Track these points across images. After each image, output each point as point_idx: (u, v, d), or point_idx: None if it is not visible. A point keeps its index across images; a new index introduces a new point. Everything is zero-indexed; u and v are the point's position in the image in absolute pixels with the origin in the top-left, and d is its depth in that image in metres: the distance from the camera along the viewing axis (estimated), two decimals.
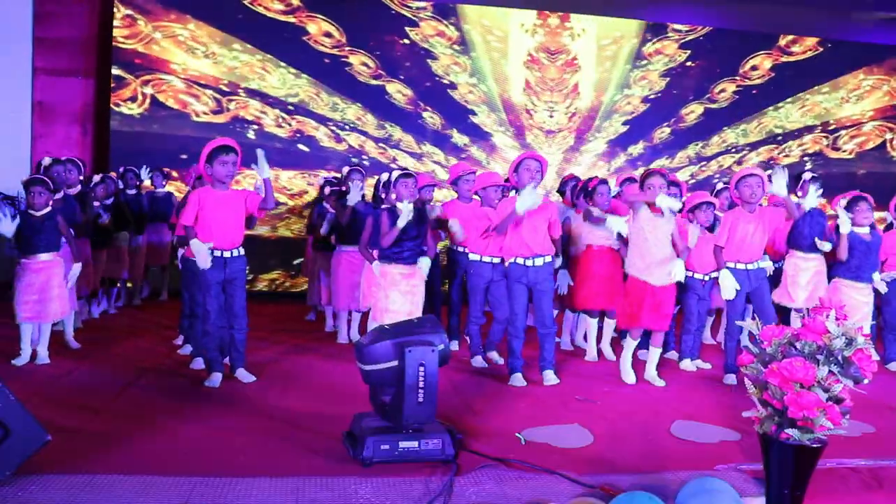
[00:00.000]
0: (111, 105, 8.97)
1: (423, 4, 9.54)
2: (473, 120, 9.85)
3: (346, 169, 6.55)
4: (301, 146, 9.44)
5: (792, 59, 10.53)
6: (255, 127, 9.27)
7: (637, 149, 10.31)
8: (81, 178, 6.40)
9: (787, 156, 10.68)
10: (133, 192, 7.73)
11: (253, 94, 9.27)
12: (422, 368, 3.42)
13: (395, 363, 3.46)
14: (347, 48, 9.42)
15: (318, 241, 7.02)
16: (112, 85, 8.95)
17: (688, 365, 5.82)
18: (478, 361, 5.74)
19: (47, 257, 5.26)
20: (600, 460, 3.62)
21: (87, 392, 4.56)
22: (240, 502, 2.91)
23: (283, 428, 3.95)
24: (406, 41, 9.57)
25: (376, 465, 3.36)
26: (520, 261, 5.12)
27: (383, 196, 5.83)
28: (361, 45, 9.46)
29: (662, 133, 10.33)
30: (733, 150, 10.55)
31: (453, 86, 9.76)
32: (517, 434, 3.93)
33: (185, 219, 4.78)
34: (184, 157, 8.84)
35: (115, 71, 8.95)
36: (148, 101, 9.04)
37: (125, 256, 7.46)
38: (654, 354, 5.36)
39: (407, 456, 3.41)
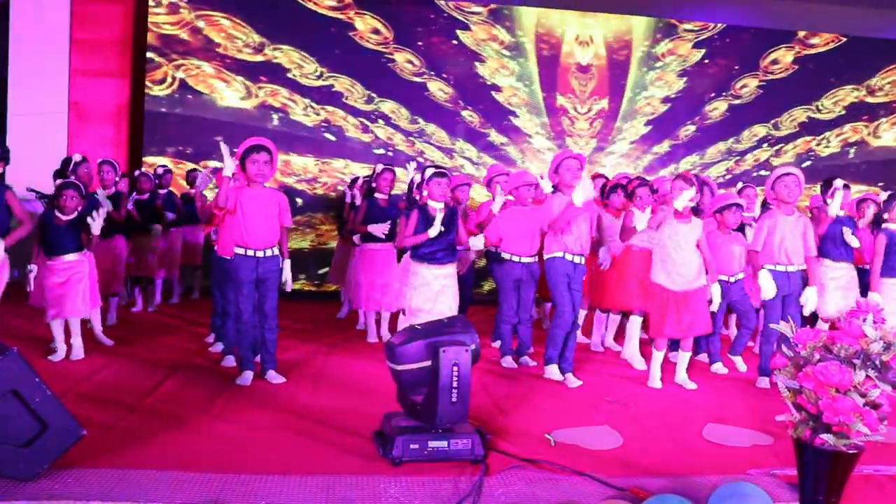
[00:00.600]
0: (144, 89, 9.17)
1: (478, 9, 9.70)
2: (514, 121, 9.93)
3: (379, 166, 6.52)
4: (327, 135, 9.56)
5: (813, 51, 10.46)
6: (281, 115, 9.41)
7: (663, 147, 10.28)
8: (117, 178, 6.49)
9: (826, 146, 10.59)
10: (165, 191, 7.82)
11: (286, 82, 9.40)
12: (456, 368, 3.42)
13: (427, 363, 3.46)
14: (393, 45, 9.57)
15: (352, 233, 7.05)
16: (146, 66, 9.16)
17: (719, 368, 5.76)
18: (507, 362, 5.74)
19: (72, 257, 5.32)
20: (630, 462, 3.60)
21: (121, 388, 4.62)
22: (270, 499, 2.93)
23: (313, 426, 3.97)
24: (455, 42, 9.71)
25: (405, 465, 3.37)
26: (568, 257, 5.14)
27: (417, 197, 5.84)
28: (409, 43, 9.61)
29: (687, 131, 10.30)
30: (766, 143, 10.49)
31: (497, 87, 9.85)
32: (547, 435, 3.91)
33: (218, 201, 4.78)
34: (218, 138, 9.00)
35: (149, 55, 9.14)
36: (177, 83, 9.22)
37: (161, 255, 7.56)
38: (683, 358, 5.30)
39: (436, 455, 3.41)
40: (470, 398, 3.50)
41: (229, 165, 4.69)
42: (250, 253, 4.77)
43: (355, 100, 9.56)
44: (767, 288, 5.13)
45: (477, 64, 9.82)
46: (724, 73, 10.31)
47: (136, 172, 7.55)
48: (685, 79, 10.21)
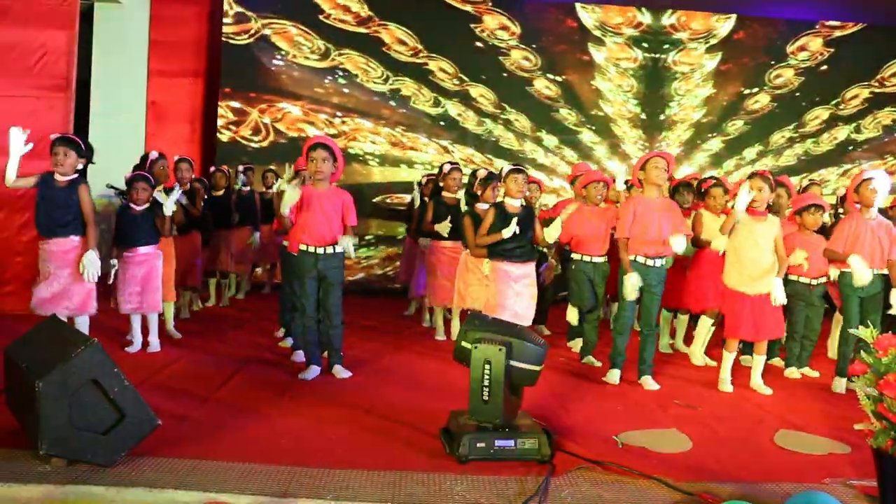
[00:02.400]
0: (219, 89, 9.42)
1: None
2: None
3: (446, 166, 6.53)
4: (398, 131, 9.72)
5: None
6: (350, 115, 9.59)
7: (715, 144, 10.15)
8: (192, 175, 6.67)
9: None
10: (247, 189, 8.00)
11: (356, 87, 9.55)
12: (487, 367, 3.40)
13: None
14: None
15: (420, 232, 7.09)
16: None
17: (793, 373, 5.61)
18: (586, 358, 5.76)
19: (146, 250, 5.47)
20: (699, 467, 3.52)
21: (194, 380, 4.74)
22: (338, 493, 2.97)
23: (380, 422, 4.00)
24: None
25: (472, 463, 3.37)
26: (640, 259, 5.03)
27: (479, 193, 5.85)
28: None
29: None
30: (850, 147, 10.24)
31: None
32: (614, 436, 3.87)
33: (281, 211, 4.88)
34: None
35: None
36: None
37: (233, 251, 7.73)
38: (758, 362, 5.16)
39: (503, 454, 3.41)
40: (528, 398, 3.47)
41: (292, 196, 4.72)
42: (311, 249, 4.84)
43: (420, 103, 9.65)
44: (861, 270, 4.92)
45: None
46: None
47: (212, 169, 7.74)
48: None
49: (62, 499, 2.85)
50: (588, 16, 9.79)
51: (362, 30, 9.54)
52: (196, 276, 6.84)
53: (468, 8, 9.66)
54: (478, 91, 9.74)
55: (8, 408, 3.52)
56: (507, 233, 5.04)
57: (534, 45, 9.74)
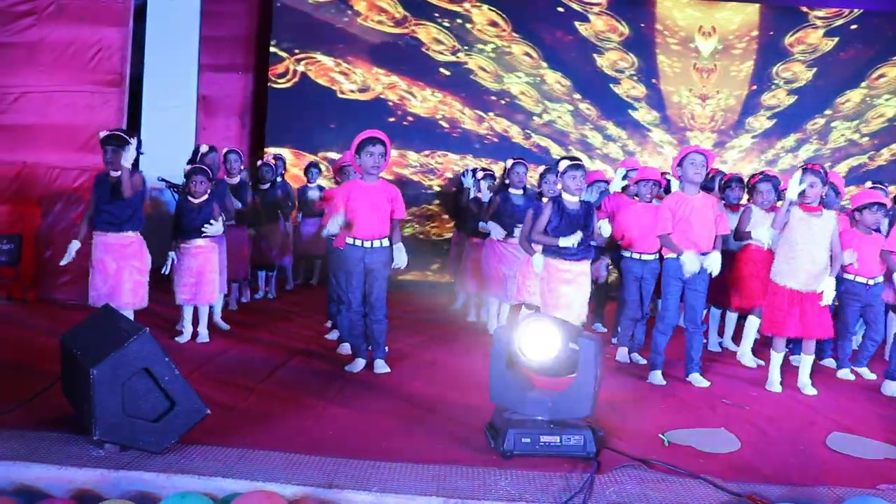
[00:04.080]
0: (267, 83, 9.59)
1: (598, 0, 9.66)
2: (632, 115, 9.82)
3: (509, 161, 6.42)
4: (442, 123, 9.74)
5: None
6: (395, 101, 9.62)
7: (788, 141, 9.92)
8: (242, 167, 6.76)
9: None
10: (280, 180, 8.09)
11: (404, 73, 9.59)
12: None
13: None
14: (511, 36, 9.67)
15: (467, 227, 7.10)
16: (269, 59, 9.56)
17: (846, 374, 5.48)
18: (621, 355, 5.70)
19: (203, 242, 5.57)
20: (748, 468, 3.46)
21: (242, 371, 4.81)
22: (382, 485, 2.98)
23: (425, 415, 4.02)
24: (570, 36, 9.70)
25: (516, 458, 3.36)
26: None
27: (540, 190, 5.82)
28: (527, 36, 9.70)
29: (816, 124, 9.86)
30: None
31: (616, 80, 9.72)
32: (660, 435, 3.82)
33: (332, 207, 4.92)
34: (332, 126, 9.48)
35: (272, 49, 9.56)
36: (298, 77, 9.60)
37: (283, 243, 7.83)
38: (806, 362, 5.04)
39: (547, 450, 3.39)
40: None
41: (338, 222, 4.76)
42: (358, 243, 4.85)
43: (469, 90, 9.72)
44: None
45: (595, 56, 9.71)
46: (859, 63, 9.79)
47: (259, 163, 7.83)
48: (814, 69, 9.75)
49: (115, 483, 2.92)
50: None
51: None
52: (245, 268, 6.94)
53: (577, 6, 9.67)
54: (555, 77, 9.77)
55: (64, 394, 3.61)
56: (564, 242, 4.92)
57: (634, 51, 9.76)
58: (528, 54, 9.69)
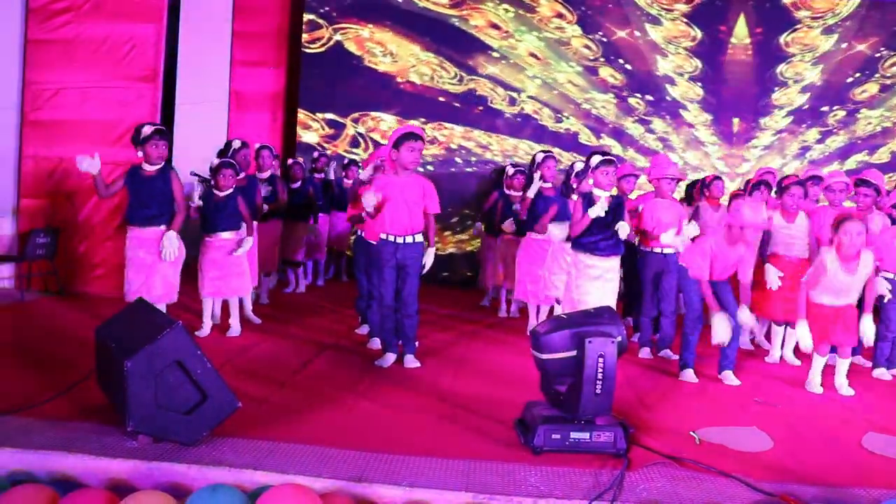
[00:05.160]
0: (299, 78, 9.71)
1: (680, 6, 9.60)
2: (683, 114, 9.81)
3: (539, 154, 6.32)
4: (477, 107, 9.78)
5: None
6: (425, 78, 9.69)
7: (812, 135, 9.80)
8: (274, 162, 6.81)
9: None
10: (321, 176, 8.13)
11: (441, 53, 9.67)
12: (601, 360, 3.36)
13: (573, 353, 3.41)
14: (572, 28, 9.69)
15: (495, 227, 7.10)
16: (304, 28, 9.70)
17: (882, 374, 5.39)
18: (644, 353, 5.65)
19: (228, 235, 5.61)
20: (780, 467, 3.42)
21: (272, 364, 4.84)
22: (412, 480, 2.99)
23: (454, 411, 4.01)
24: (637, 34, 9.66)
25: (546, 454, 3.35)
26: None
27: (574, 185, 5.79)
28: (590, 30, 9.70)
29: (836, 116, 9.76)
30: None
31: (672, 81, 9.74)
32: (692, 433, 3.79)
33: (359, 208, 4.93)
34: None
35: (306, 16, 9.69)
36: (333, 43, 9.70)
37: (314, 241, 7.88)
38: (842, 365, 4.92)
39: (578, 447, 3.38)
40: (614, 391, 3.43)
41: (372, 201, 4.77)
42: (391, 238, 4.85)
43: (506, 74, 9.73)
44: None
45: (658, 57, 9.72)
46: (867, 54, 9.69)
47: (290, 161, 7.87)
48: (820, 66, 9.69)
49: (147, 474, 2.96)
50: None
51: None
52: (274, 260, 6.98)
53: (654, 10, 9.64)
54: (609, 71, 9.77)
55: (98, 385, 3.66)
56: (593, 212, 4.90)
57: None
58: (587, 47, 9.67)
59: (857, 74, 9.66)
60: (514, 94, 9.72)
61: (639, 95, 9.72)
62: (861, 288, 4.72)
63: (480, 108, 9.68)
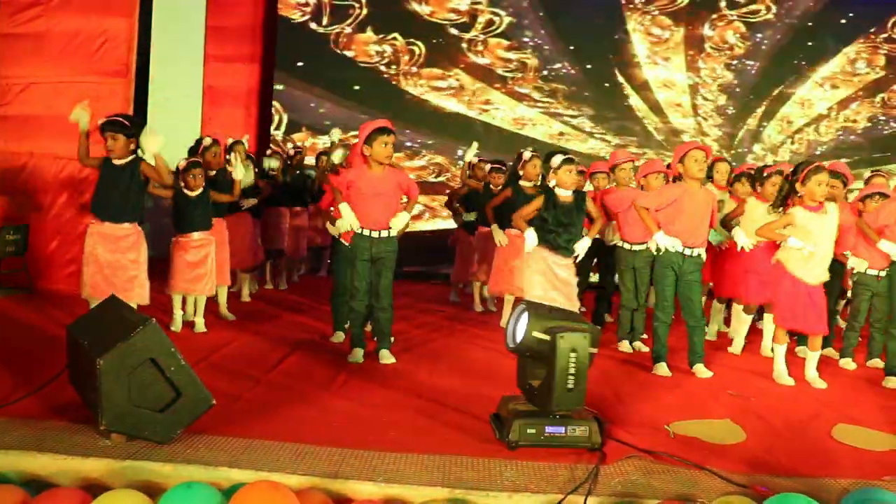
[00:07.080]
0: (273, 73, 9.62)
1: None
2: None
3: (527, 153, 6.22)
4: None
5: None
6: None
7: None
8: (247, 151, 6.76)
9: None
10: (298, 171, 8.10)
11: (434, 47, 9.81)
12: (573, 355, 3.36)
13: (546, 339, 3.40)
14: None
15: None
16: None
17: (848, 364, 5.46)
18: (624, 346, 5.69)
19: (200, 235, 5.58)
20: (753, 459, 3.46)
21: (247, 361, 4.81)
22: (388, 476, 2.98)
23: (430, 406, 4.01)
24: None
25: (522, 449, 3.36)
26: (678, 248, 4.93)
27: (521, 174, 5.90)
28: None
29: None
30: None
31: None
32: (666, 426, 3.82)
33: (336, 197, 4.90)
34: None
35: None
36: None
37: (293, 232, 7.84)
38: (813, 358, 4.98)
39: (553, 441, 3.39)
40: (587, 386, 3.44)
41: (349, 220, 4.79)
42: (366, 232, 4.84)
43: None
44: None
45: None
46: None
47: (268, 152, 7.82)
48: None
49: (121, 473, 2.93)
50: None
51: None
52: (252, 258, 6.93)
53: None
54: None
55: (70, 383, 3.62)
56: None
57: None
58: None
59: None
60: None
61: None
62: (834, 236, 4.81)
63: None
